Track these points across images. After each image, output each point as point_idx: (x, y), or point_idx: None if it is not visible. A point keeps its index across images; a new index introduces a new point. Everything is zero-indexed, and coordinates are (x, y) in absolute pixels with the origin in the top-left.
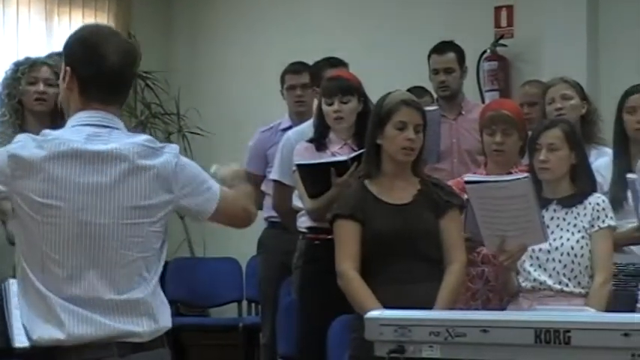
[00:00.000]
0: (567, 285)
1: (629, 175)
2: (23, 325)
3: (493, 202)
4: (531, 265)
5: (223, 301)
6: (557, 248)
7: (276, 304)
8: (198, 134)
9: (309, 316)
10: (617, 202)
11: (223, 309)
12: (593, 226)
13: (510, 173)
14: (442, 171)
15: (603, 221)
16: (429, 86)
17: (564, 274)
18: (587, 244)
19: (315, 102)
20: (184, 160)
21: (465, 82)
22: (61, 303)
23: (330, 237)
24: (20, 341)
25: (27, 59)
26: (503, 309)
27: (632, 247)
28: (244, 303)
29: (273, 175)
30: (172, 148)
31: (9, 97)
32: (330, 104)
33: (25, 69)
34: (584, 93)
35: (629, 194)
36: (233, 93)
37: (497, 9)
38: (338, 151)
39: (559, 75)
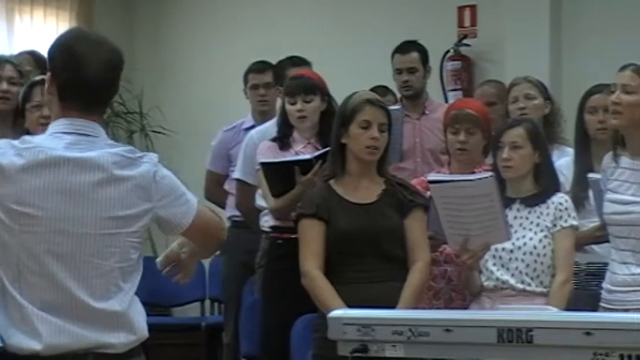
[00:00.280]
0: (530, 284)
1: (591, 175)
2: None
3: (457, 202)
4: (494, 264)
5: (186, 300)
6: (519, 247)
7: (239, 304)
8: (161, 133)
9: (272, 315)
10: (578, 202)
11: (186, 308)
12: (555, 225)
13: (474, 172)
14: (405, 170)
15: (566, 221)
16: (393, 86)
17: (527, 274)
18: (549, 244)
19: (279, 101)
20: (164, 170)
21: (428, 81)
22: (37, 313)
23: (293, 236)
24: None
25: None
26: (465, 308)
27: (593, 247)
28: (207, 302)
29: (237, 174)
30: (151, 158)
31: None
32: (293, 103)
33: None
34: (547, 93)
35: (591, 194)
36: (196, 92)
37: (461, 9)
38: (301, 150)
39: (522, 75)
